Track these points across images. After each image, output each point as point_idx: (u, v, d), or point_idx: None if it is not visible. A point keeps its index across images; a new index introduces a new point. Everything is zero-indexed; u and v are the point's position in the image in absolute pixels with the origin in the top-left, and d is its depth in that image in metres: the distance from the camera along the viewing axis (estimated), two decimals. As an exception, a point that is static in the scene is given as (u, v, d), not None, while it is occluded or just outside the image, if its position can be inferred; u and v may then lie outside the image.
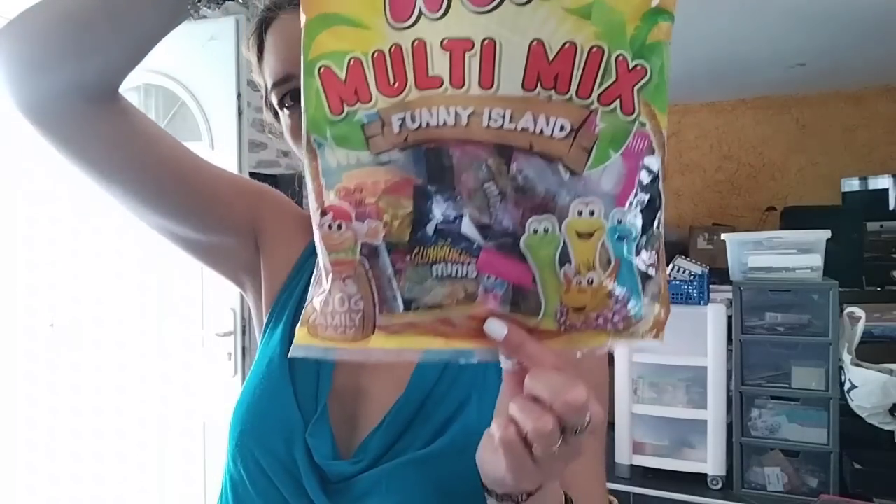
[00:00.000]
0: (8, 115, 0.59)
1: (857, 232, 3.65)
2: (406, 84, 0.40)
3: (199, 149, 2.70)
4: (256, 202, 0.75)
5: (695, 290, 2.30)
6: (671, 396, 2.38)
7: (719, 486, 2.26)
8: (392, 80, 0.40)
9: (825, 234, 2.31)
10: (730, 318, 2.31)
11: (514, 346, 0.41)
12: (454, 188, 0.40)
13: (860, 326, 2.16)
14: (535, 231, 0.40)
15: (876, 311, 2.57)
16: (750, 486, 2.27)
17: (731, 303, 2.34)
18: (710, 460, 2.28)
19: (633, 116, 0.40)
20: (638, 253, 0.41)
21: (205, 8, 0.54)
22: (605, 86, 0.39)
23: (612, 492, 2.38)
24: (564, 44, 0.39)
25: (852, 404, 2.15)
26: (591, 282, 0.41)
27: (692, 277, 2.32)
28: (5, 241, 2.72)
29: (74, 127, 0.59)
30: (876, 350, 2.28)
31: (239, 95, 2.50)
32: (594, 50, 0.39)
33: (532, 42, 0.39)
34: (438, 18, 0.39)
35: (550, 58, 0.39)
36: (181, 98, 2.62)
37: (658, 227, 0.42)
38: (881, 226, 3.79)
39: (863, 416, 2.15)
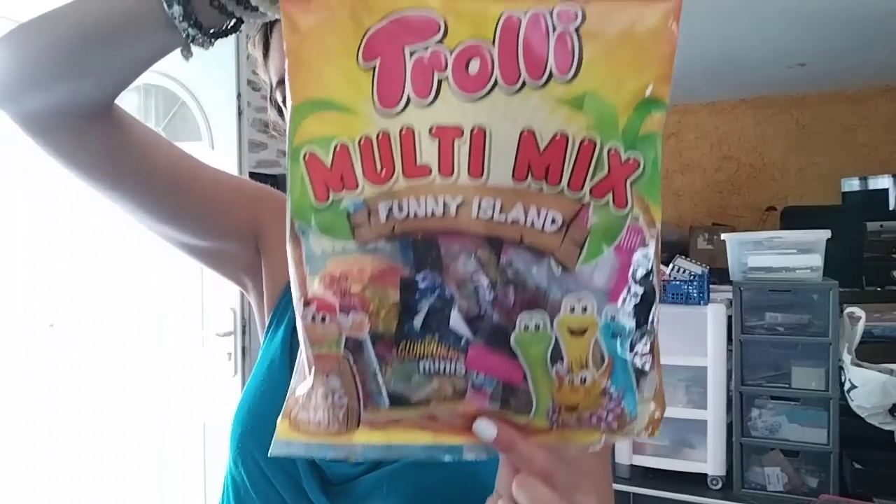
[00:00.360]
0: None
1: (857, 232, 3.65)
2: (394, 172, 0.39)
3: (198, 149, 2.70)
4: (256, 205, 0.75)
5: (695, 290, 2.30)
6: (671, 396, 2.38)
7: (719, 486, 2.26)
8: (379, 168, 0.39)
9: (825, 234, 2.31)
10: (730, 318, 2.31)
11: (506, 446, 0.40)
12: (442, 280, 0.39)
13: (860, 326, 2.16)
14: (526, 327, 0.39)
15: (876, 311, 2.57)
16: (750, 486, 2.27)
17: (731, 303, 2.34)
18: (710, 460, 2.28)
19: (626, 210, 0.39)
20: (632, 349, 0.41)
21: (198, 47, 0.53)
22: (597, 178, 0.39)
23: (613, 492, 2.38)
24: (556, 134, 0.38)
25: (852, 404, 2.14)
26: (584, 380, 0.40)
27: (692, 277, 2.32)
28: (5, 241, 2.72)
29: (68, 139, 0.59)
30: (876, 350, 2.28)
31: (239, 95, 2.50)
32: (586, 142, 0.38)
33: (523, 131, 0.38)
34: (427, 105, 0.38)
35: (541, 148, 0.38)
36: (181, 98, 2.62)
37: (653, 322, 0.41)
38: (881, 226, 3.78)
39: (863, 416, 2.14)
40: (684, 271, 2.34)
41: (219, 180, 0.73)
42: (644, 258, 0.40)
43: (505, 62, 0.38)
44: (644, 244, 0.40)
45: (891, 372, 2.09)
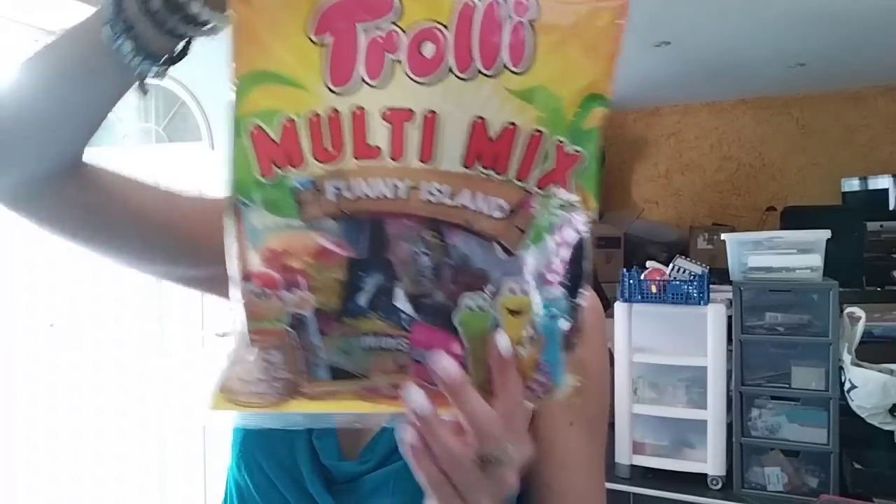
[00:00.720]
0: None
1: (857, 232, 3.65)
2: (343, 151, 0.39)
3: (199, 149, 2.70)
4: None
5: (695, 290, 2.30)
6: (671, 396, 2.38)
7: (719, 486, 2.26)
8: (329, 146, 0.39)
9: (825, 234, 2.31)
10: (730, 318, 2.31)
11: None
12: (388, 260, 0.40)
13: (860, 326, 2.16)
14: (469, 307, 0.40)
15: (876, 311, 2.57)
16: (750, 486, 2.27)
17: (731, 303, 2.34)
18: (710, 460, 2.28)
19: (568, 200, 0.41)
20: (563, 327, 0.43)
21: (154, 79, 0.51)
22: (543, 169, 0.40)
23: (613, 492, 2.38)
24: (506, 125, 0.39)
25: (852, 404, 2.14)
26: (519, 356, 0.41)
27: (692, 277, 2.32)
28: (5, 241, 2.72)
29: (50, 205, 0.59)
30: (876, 350, 2.28)
31: (239, 95, 2.50)
32: (535, 133, 0.39)
33: (474, 119, 0.39)
34: (380, 86, 0.38)
35: (492, 137, 0.39)
36: (181, 98, 2.62)
37: (581, 300, 0.43)
38: (881, 226, 3.78)
39: (863, 416, 2.14)
40: (684, 271, 2.34)
41: (206, 206, 0.73)
42: (580, 245, 0.42)
43: (459, 49, 0.38)
44: (581, 232, 0.42)
45: (891, 372, 2.09)
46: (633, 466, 2.39)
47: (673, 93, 4.93)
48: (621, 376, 2.40)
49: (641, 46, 3.64)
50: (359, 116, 0.38)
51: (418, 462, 0.41)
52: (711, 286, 2.35)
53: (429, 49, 0.38)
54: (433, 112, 0.38)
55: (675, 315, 2.33)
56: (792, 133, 4.98)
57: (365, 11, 0.38)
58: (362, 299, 0.40)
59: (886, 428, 2.13)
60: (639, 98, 5.07)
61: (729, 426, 2.29)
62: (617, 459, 2.40)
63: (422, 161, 0.39)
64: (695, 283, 2.30)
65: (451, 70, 0.38)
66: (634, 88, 4.72)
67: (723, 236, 2.59)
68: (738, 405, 2.29)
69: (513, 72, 0.39)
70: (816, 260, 2.28)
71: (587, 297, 0.44)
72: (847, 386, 2.14)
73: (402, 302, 0.40)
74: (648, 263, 2.49)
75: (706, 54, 3.83)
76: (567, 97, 0.40)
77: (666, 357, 2.37)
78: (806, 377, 2.24)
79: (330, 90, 0.38)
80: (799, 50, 3.75)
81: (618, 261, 4.37)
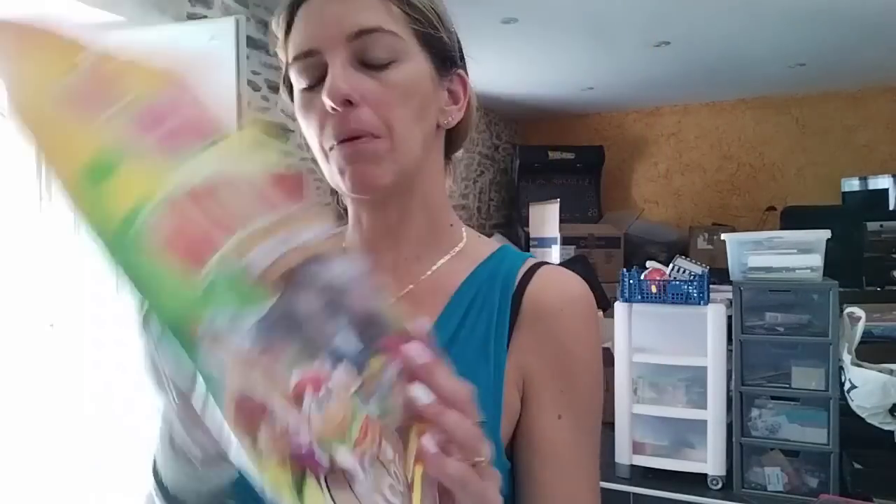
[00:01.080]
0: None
1: (858, 232, 3.65)
2: (233, 224, 0.36)
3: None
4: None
5: (695, 290, 2.30)
6: (671, 396, 2.38)
7: (719, 486, 2.26)
8: (223, 218, 0.36)
9: (825, 234, 2.31)
10: (730, 318, 2.31)
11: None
12: (325, 305, 0.38)
13: (860, 326, 2.16)
14: (388, 307, 0.41)
15: (876, 311, 2.57)
16: (750, 486, 2.27)
17: (731, 303, 2.34)
18: (710, 460, 2.28)
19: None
20: None
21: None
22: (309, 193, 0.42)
23: (613, 492, 2.38)
24: (277, 169, 0.40)
25: (852, 404, 2.15)
26: None
27: (692, 277, 2.32)
28: (5, 241, 2.72)
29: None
30: (876, 350, 2.28)
31: (239, 95, 2.50)
32: (290, 171, 0.41)
33: (244, 173, 0.39)
34: (175, 167, 0.36)
35: (275, 182, 0.40)
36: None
37: None
38: (881, 226, 3.78)
39: (863, 416, 2.15)
40: (684, 271, 2.34)
41: None
42: None
43: (192, 117, 0.38)
44: None
45: (891, 372, 2.09)
46: (633, 466, 2.39)
47: (673, 93, 4.93)
48: (621, 376, 2.40)
49: (641, 46, 3.64)
50: (205, 190, 0.36)
51: (441, 465, 0.37)
52: (711, 286, 2.35)
53: (174, 122, 0.37)
54: (223, 177, 0.37)
55: (675, 315, 2.33)
56: (792, 133, 4.99)
57: (97, 100, 0.36)
58: (355, 346, 0.37)
59: (886, 428, 2.13)
60: (639, 98, 5.07)
61: (729, 426, 2.29)
62: (617, 459, 2.40)
63: (254, 220, 0.37)
64: (695, 283, 2.30)
65: (198, 137, 0.38)
66: (634, 88, 4.72)
67: (723, 236, 2.59)
68: (738, 405, 2.29)
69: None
70: (816, 260, 2.28)
71: None
72: (847, 386, 2.14)
73: (362, 332, 0.39)
74: (648, 263, 2.49)
75: (706, 54, 3.83)
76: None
77: (666, 357, 2.37)
78: (806, 377, 2.24)
79: (168, 165, 0.36)
80: (799, 50, 3.76)
81: (618, 261, 4.37)
